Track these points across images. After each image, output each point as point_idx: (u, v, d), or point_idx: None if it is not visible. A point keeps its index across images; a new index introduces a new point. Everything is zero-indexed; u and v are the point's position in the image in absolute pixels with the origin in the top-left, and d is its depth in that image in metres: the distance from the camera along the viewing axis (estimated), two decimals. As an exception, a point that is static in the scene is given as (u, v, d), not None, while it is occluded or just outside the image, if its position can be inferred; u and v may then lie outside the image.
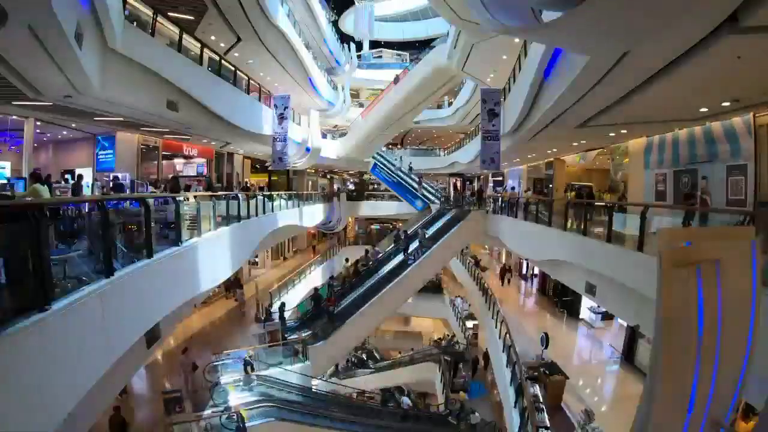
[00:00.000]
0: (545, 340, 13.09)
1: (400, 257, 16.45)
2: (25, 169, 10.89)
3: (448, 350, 19.16)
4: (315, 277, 23.32)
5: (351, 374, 18.86)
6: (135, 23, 9.54)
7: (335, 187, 36.45)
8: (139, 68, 9.33)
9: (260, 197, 13.06)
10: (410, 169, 28.17)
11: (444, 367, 17.57)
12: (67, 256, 4.43)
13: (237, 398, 10.98)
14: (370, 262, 17.31)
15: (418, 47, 31.36)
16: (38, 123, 11.21)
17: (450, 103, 31.40)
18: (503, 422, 12.06)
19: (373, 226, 37.50)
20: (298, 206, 19.07)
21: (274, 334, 13.65)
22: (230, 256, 9.18)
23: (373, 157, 27.97)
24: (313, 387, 13.27)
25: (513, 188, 22.66)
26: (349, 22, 34.67)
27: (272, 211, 14.40)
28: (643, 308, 6.40)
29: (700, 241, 2.53)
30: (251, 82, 16.04)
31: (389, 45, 37.60)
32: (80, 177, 9.41)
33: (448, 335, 23.51)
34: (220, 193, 11.63)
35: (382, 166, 28.00)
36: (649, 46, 4.79)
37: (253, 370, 11.60)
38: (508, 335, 12.57)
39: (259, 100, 16.36)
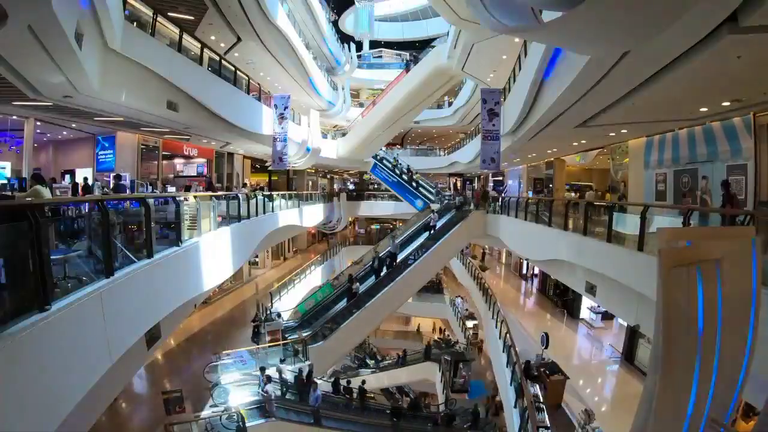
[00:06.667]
0: (545, 340, 13.09)
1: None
2: (25, 169, 10.89)
3: (447, 351, 19.16)
4: (315, 278, 23.33)
5: (353, 374, 18.89)
6: (135, 23, 9.54)
7: (335, 187, 36.46)
8: (139, 68, 9.33)
9: (260, 197, 13.06)
10: (408, 170, 28.14)
11: (444, 367, 17.57)
12: (67, 256, 4.43)
13: (237, 398, 10.98)
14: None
15: (418, 47, 31.36)
16: (38, 123, 11.21)
17: (450, 103, 31.40)
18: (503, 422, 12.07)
19: (373, 226, 37.52)
20: (298, 206, 19.08)
21: (274, 333, 13.65)
22: (230, 256, 9.18)
23: (373, 157, 27.98)
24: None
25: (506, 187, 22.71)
26: (349, 22, 34.66)
27: (272, 211, 14.40)
28: (643, 308, 6.41)
29: (700, 241, 2.53)
30: (251, 82, 16.04)
31: (389, 45, 37.60)
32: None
33: (447, 334, 23.55)
34: (220, 193, 11.63)
35: (382, 166, 28.01)
36: (649, 46, 4.79)
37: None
38: (508, 335, 12.57)
39: (259, 100, 16.37)
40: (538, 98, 9.76)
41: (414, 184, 26.58)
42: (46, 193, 6.55)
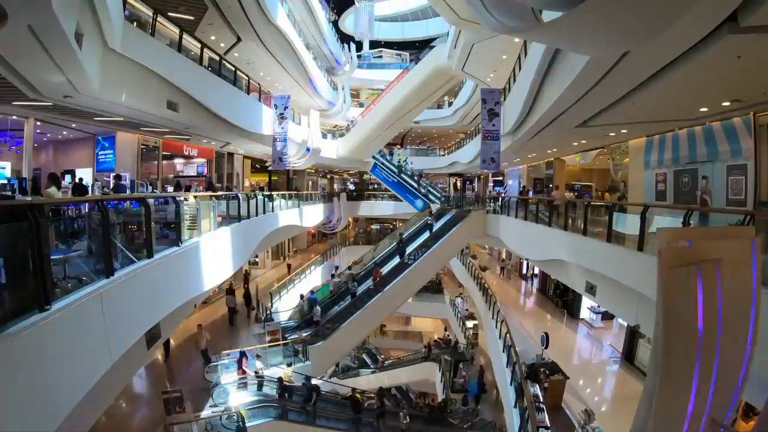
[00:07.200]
0: (545, 340, 13.09)
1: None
2: (25, 169, 10.89)
3: (448, 351, 19.17)
4: (315, 277, 23.33)
5: (354, 374, 18.90)
6: (135, 23, 9.54)
7: (335, 187, 36.46)
8: (139, 68, 9.33)
9: (260, 197, 13.06)
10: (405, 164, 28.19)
11: (444, 367, 17.58)
12: (67, 256, 4.43)
13: (237, 398, 10.99)
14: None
15: (418, 47, 31.34)
16: (38, 123, 11.20)
17: (450, 103, 31.39)
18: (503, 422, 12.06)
19: (373, 226, 37.53)
20: (298, 206, 19.08)
21: (274, 333, 13.67)
22: (230, 256, 9.18)
23: (373, 157, 28.00)
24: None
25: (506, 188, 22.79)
26: (349, 22, 34.66)
27: (272, 211, 14.40)
28: (643, 308, 6.41)
29: (700, 241, 2.53)
30: (251, 82, 16.04)
31: (389, 45, 37.59)
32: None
33: (447, 334, 23.55)
34: (220, 193, 11.63)
35: (382, 166, 28.02)
36: (649, 46, 4.79)
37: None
38: (508, 335, 12.58)
39: (259, 100, 16.37)
40: (538, 98, 9.76)
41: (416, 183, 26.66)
42: (58, 195, 6.61)
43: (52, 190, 6.56)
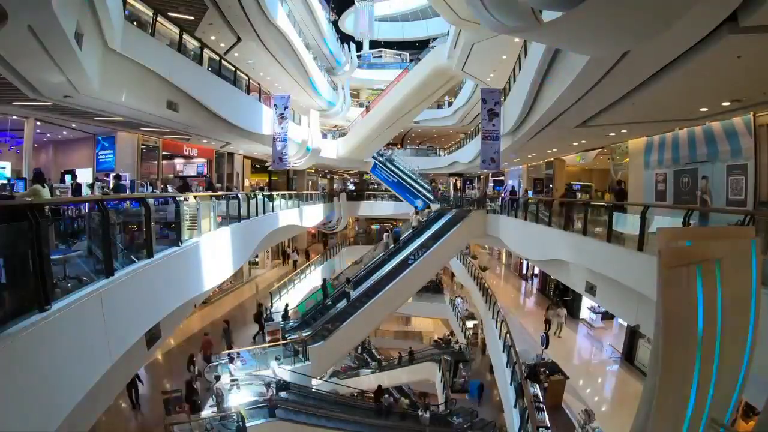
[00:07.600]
0: (545, 340, 13.10)
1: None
2: (25, 169, 10.89)
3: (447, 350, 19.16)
4: (315, 277, 23.32)
5: (354, 374, 18.90)
6: (135, 23, 9.54)
7: (335, 187, 36.47)
8: (139, 68, 9.33)
9: (260, 197, 13.07)
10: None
11: (444, 367, 17.58)
12: (67, 256, 4.43)
13: (237, 398, 10.98)
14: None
15: (418, 47, 31.35)
16: (38, 123, 11.20)
17: (450, 103, 31.39)
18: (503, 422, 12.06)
19: (373, 226, 37.52)
20: (298, 206, 19.08)
21: (274, 333, 13.68)
22: (230, 256, 9.18)
23: (373, 157, 28.01)
24: (313, 387, 13.29)
25: (513, 188, 22.73)
26: (349, 22, 34.67)
27: (272, 211, 14.40)
28: (643, 308, 6.41)
29: (700, 241, 2.53)
30: (251, 82, 16.05)
31: (389, 45, 37.60)
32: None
33: (447, 334, 23.57)
34: (220, 193, 11.63)
35: (382, 166, 28.02)
36: (649, 46, 4.80)
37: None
38: (508, 335, 12.58)
39: (259, 100, 16.37)
40: (538, 98, 9.76)
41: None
42: (45, 192, 6.57)
43: (37, 187, 6.51)
